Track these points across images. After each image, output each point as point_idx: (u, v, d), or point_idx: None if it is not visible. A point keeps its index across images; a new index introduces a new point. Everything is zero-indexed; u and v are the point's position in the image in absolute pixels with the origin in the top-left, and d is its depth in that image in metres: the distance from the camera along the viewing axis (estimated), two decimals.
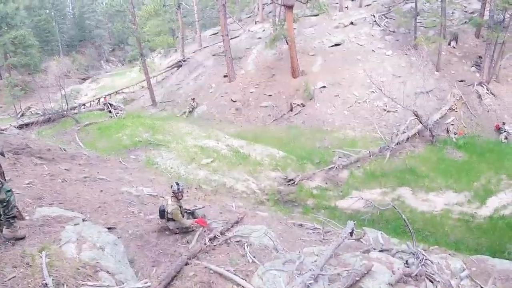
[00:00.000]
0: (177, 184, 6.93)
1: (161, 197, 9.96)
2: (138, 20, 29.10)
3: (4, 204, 4.84)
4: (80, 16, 65.57)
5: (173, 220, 6.74)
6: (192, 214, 7.36)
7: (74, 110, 26.79)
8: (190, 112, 24.16)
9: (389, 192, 13.57)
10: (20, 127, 23.05)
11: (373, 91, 20.70)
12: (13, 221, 4.97)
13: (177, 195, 6.87)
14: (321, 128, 19.68)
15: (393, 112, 19.76)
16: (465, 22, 25.42)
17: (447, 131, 18.67)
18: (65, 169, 11.38)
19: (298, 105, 21.47)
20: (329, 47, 25.14)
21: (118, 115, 25.26)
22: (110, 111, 26.12)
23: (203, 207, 7.95)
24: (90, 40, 64.11)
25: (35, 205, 7.01)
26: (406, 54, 23.09)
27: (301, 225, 9.61)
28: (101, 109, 27.38)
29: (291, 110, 21.30)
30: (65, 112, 24.27)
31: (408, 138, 17.03)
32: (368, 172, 14.86)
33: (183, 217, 6.90)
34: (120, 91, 33.24)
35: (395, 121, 19.33)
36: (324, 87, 22.01)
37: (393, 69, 22.22)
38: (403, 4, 28.76)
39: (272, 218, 9.90)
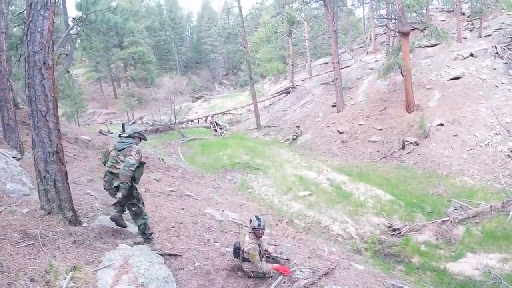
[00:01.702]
0: (258, 219, 5.62)
1: (245, 226, 8.85)
2: (250, 46, 29.43)
3: (142, 226, 5.39)
4: (198, 40, 70.59)
5: (248, 260, 5.45)
6: (273, 259, 6.02)
7: (182, 124, 28.02)
8: (293, 139, 23.12)
9: (510, 259, 10.60)
10: None
11: (497, 133, 17.45)
12: (150, 238, 5.50)
13: (256, 233, 5.57)
14: (436, 172, 16.89)
15: None
16: None
17: None
18: (155, 179, 10.98)
19: (411, 143, 18.97)
20: (447, 80, 22.22)
21: (222, 134, 25.78)
22: (215, 130, 26.85)
23: (287, 259, 6.42)
24: (206, 63, 68.40)
25: (102, 212, 6.34)
26: None
27: None
28: (208, 126, 28.26)
29: (403, 148, 18.88)
30: (173, 126, 25.43)
31: None
32: (488, 231, 11.81)
33: (261, 259, 5.59)
34: (228, 112, 33.95)
35: None
36: (441, 124, 19.18)
37: None
38: None
39: (369, 274, 8.12)
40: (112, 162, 5.29)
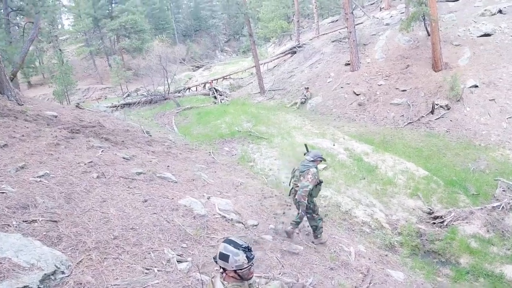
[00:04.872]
0: (244, 248, 2.86)
1: (238, 222, 6.24)
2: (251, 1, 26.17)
3: (313, 227, 6.43)
4: (196, 6, 66.62)
5: None
6: None
7: (178, 93, 25.90)
8: (302, 103, 20.25)
9: None
10: (122, 106, 23.01)
11: None
12: (319, 236, 6.44)
13: (241, 274, 2.89)
14: (472, 142, 14.16)
15: None
16: None
17: None
18: (123, 158, 8.32)
19: (441, 106, 16.09)
20: (477, 37, 19.09)
21: (222, 101, 23.48)
22: (215, 97, 24.66)
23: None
24: (206, 30, 64.78)
25: None
26: None
27: None
28: (206, 94, 25.98)
29: (432, 112, 16.02)
30: (168, 95, 23.55)
31: None
32: None
33: None
34: (228, 77, 31.07)
35: None
36: (475, 86, 16.29)
37: None
38: None
39: (411, 285, 5.66)
40: (295, 181, 6.27)
